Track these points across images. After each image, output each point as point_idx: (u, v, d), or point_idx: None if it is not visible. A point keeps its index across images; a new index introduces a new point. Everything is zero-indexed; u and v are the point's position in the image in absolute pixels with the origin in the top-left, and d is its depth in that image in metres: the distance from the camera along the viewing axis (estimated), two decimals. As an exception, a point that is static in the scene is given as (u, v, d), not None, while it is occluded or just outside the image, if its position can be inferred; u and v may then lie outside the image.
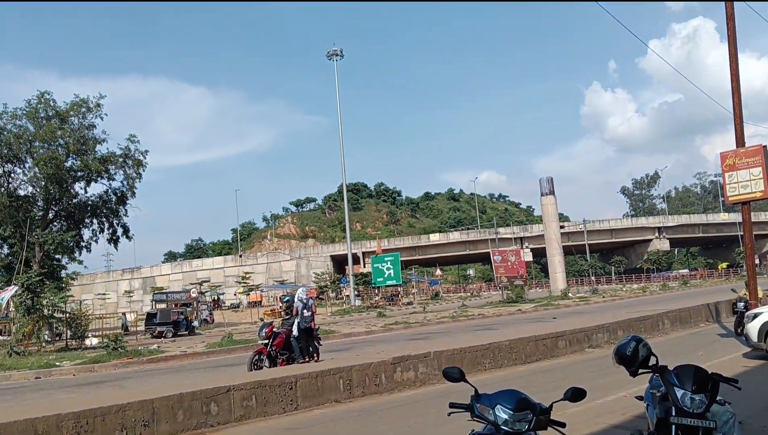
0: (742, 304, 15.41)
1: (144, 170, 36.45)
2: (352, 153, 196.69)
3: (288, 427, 8.36)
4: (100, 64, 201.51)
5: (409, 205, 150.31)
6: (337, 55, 56.43)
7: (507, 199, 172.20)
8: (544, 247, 60.10)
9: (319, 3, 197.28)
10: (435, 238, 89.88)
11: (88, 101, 34.12)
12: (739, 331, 14.91)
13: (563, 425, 3.42)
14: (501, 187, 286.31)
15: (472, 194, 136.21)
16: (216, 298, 63.96)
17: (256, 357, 13.27)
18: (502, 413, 3.28)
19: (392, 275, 50.63)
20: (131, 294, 78.63)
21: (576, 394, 3.49)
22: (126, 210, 37.18)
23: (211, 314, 47.28)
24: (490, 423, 3.33)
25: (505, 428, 3.24)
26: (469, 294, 73.63)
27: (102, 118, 34.64)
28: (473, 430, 3.44)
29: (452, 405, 3.60)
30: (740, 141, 16.21)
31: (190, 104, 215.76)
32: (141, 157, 36.16)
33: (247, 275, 64.36)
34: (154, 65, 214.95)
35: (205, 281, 68.61)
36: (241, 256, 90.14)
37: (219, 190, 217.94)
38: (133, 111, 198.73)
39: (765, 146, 16.60)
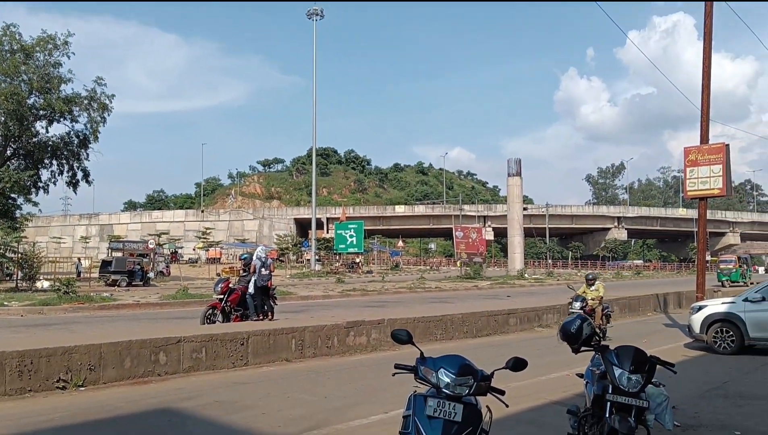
0: (578, 304, 12.92)
1: (109, 114, 35.59)
2: (325, 117, 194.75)
3: (236, 381, 8.40)
4: (71, 2, 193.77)
5: (377, 174, 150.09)
6: (317, 14, 55.32)
7: (475, 177, 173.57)
8: (506, 228, 60.91)
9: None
10: (400, 209, 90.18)
11: (56, 38, 32.96)
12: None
13: (502, 392, 3.50)
14: (470, 164, 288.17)
15: (441, 169, 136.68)
16: (174, 251, 63.24)
17: (210, 311, 13.20)
18: (445, 377, 3.34)
19: (354, 243, 50.73)
20: (87, 240, 77.15)
21: (517, 364, 3.57)
22: (88, 154, 36.36)
23: (167, 267, 46.69)
24: (432, 386, 3.40)
25: (447, 391, 3.31)
26: (428, 267, 74.40)
27: (69, 57, 33.58)
28: (415, 391, 3.50)
29: (397, 366, 3.65)
30: (705, 138, 16.59)
31: (162, 51, 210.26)
32: (107, 101, 35.23)
33: (208, 231, 63.98)
34: (128, 8, 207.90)
35: (164, 233, 67.77)
36: (203, 211, 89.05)
37: (186, 143, 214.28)
38: (103, 53, 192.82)
39: (728, 145, 17.06)
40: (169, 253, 57.83)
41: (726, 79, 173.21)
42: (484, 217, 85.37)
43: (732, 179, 19.04)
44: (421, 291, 30.82)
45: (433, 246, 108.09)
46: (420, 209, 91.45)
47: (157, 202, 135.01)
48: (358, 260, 58.96)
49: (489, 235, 77.99)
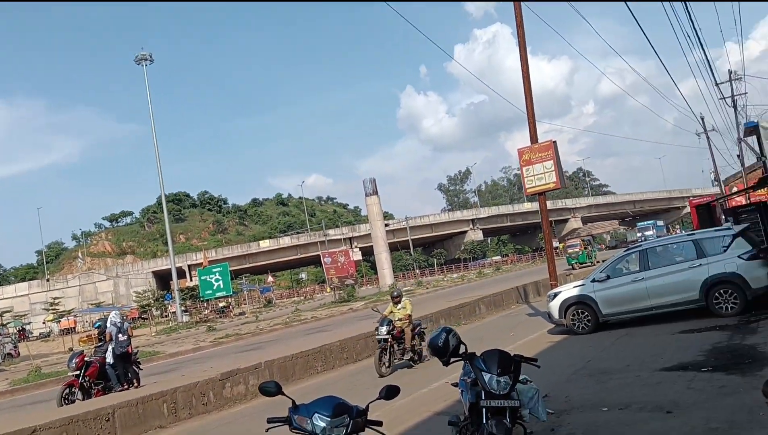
0: (384, 328, 11.29)
1: None
2: (171, 162, 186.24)
3: (104, 464, 7.65)
4: None
5: (236, 212, 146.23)
6: (146, 59, 53.03)
7: (335, 200, 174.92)
8: (372, 246, 61.95)
9: (120, 3, 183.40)
10: (265, 244, 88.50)
11: None
12: None
13: (380, 424, 3.47)
14: (328, 189, 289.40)
15: (300, 198, 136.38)
16: (21, 328, 57.14)
17: (67, 390, 12.04)
18: (320, 421, 3.25)
19: (222, 287, 48.76)
20: None
21: (390, 392, 3.57)
22: None
23: (15, 347, 41.95)
24: (309, 433, 3.29)
25: (324, 436, 3.22)
26: (302, 298, 73.55)
27: None
28: (292, 442, 3.37)
29: (270, 420, 3.51)
30: (534, 138, 17.99)
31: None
32: None
33: (56, 300, 58.49)
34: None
35: (6, 311, 60.90)
36: (48, 280, 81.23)
37: (19, 210, 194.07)
38: None
39: (555, 142, 18.61)
40: (15, 331, 52.18)
41: (546, 79, 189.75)
42: (350, 238, 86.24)
43: (565, 169, 20.85)
44: (298, 324, 30.33)
45: (304, 275, 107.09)
46: (285, 241, 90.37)
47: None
48: (226, 304, 56.86)
49: (357, 255, 78.84)
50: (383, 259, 58.67)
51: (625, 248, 15.96)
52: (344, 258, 52.02)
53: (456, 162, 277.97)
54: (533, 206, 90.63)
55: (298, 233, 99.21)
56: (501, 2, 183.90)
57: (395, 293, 12.37)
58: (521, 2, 17.76)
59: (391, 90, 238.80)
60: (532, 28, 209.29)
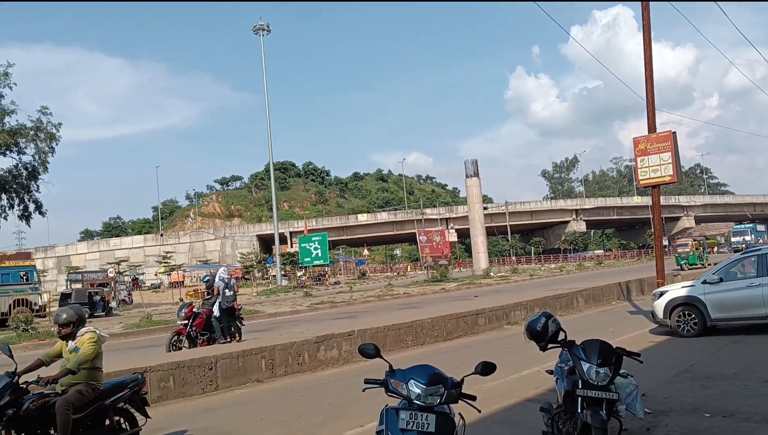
0: None
1: (57, 144, 34.64)
2: (280, 131, 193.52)
3: (207, 407, 8.22)
4: (9, 30, 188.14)
5: (337, 185, 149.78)
6: (263, 29, 54.91)
7: (434, 180, 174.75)
8: (469, 228, 61.44)
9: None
10: (363, 218, 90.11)
11: (-5, 69, 31.94)
12: None
13: (474, 398, 3.51)
14: (428, 168, 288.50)
15: (400, 175, 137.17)
16: (135, 278, 61.85)
17: (175, 337, 12.94)
18: (415, 388, 3.33)
19: (320, 255, 50.35)
20: (45, 274, 74.74)
21: (486, 368, 3.58)
22: (38, 185, 35.33)
23: (129, 295, 45.58)
24: (403, 398, 3.38)
25: (418, 402, 3.29)
26: (395, 273, 74.43)
27: (11, 88, 32.70)
28: (387, 405, 3.47)
29: (367, 381, 3.62)
30: (652, 127, 17.03)
31: (107, 76, 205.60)
32: (54, 130, 34.32)
33: (169, 255, 62.82)
34: (69, 34, 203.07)
35: (123, 261, 66.25)
36: (162, 235, 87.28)
37: (139, 167, 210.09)
38: (47, 82, 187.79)
39: (674, 133, 17.55)
40: (130, 280, 56.51)
41: (668, 67, 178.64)
42: (446, 219, 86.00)
43: (682, 164, 19.62)
44: (390, 298, 30.78)
45: (398, 252, 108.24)
46: (382, 216, 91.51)
47: (114, 229, 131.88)
48: (324, 272, 58.64)
49: (452, 236, 78.54)
50: (479, 242, 58.09)
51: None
52: (440, 238, 51.91)
53: (563, 149, 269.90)
54: (643, 201, 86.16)
55: (395, 209, 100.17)
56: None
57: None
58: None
59: (500, 70, 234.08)
60: (657, 12, 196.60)
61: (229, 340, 13.21)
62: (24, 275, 28.05)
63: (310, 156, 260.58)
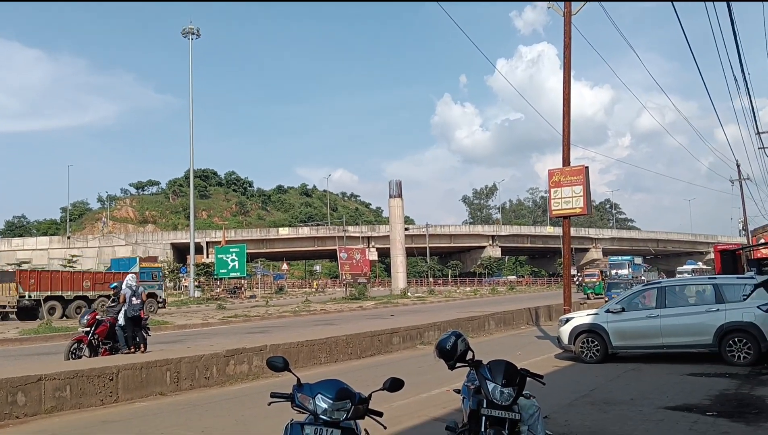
0: None
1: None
2: (204, 138, 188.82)
3: (105, 419, 7.82)
4: None
5: (260, 196, 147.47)
6: (193, 33, 53.82)
7: (358, 198, 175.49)
8: (389, 248, 62.00)
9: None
10: (284, 232, 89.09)
11: None
12: None
13: (380, 414, 3.51)
14: (353, 186, 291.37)
15: (324, 191, 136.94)
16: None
17: (75, 345, 12.29)
18: (322, 402, 3.30)
19: (237, 267, 49.26)
20: (-69, 273, 69.00)
21: (394, 384, 3.60)
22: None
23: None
24: (310, 412, 3.34)
25: (324, 417, 3.26)
26: (314, 289, 73.87)
27: None
28: (292, 420, 3.42)
29: (273, 395, 3.56)
30: (566, 160, 17.85)
31: (22, 67, 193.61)
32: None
33: (75, 258, 59.48)
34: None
35: (25, 262, 62.05)
36: (69, 237, 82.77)
37: (50, 165, 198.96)
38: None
39: (587, 167, 18.46)
40: (29, 283, 53.02)
41: (586, 105, 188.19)
42: (368, 237, 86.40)
43: (592, 199, 20.68)
44: (306, 314, 30.49)
45: (318, 268, 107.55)
46: (304, 231, 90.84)
47: (17, 228, 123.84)
48: (240, 285, 57.35)
49: (373, 255, 78.90)
50: (399, 262, 58.67)
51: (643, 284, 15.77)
52: (360, 256, 52.11)
53: (484, 176, 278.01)
54: (555, 231, 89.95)
55: (318, 225, 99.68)
56: (549, 23, 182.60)
57: None
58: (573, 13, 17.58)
59: (428, 96, 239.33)
60: (579, 53, 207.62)
61: (133, 350, 12.67)
62: (155, 274, 35.65)
63: (234, 165, 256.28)
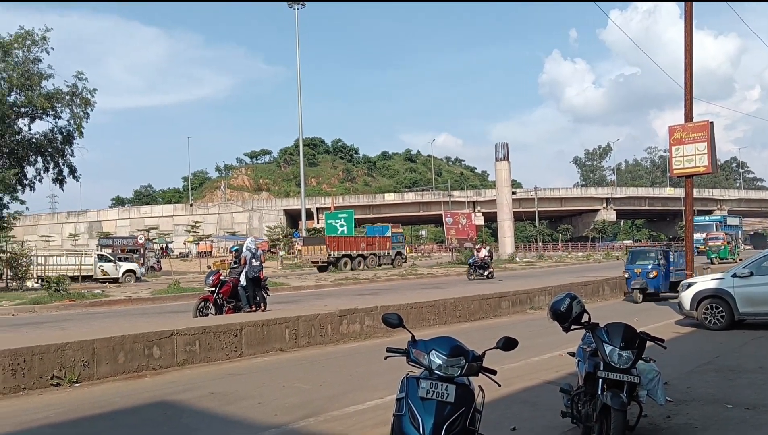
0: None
1: (92, 109, 35.00)
2: (311, 107, 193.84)
3: (230, 372, 8.41)
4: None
5: (365, 163, 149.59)
6: (298, 2, 54.80)
7: (463, 162, 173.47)
8: (496, 212, 61.08)
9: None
10: (390, 197, 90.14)
11: (34, 34, 32.34)
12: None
13: (494, 372, 3.54)
14: (457, 150, 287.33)
15: (429, 156, 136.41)
16: (164, 245, 63.04)
17: (202, 304, 13.19)
18: (437, 358, 3.37)
19: (345, 232, 50.67)
20: (76, 238, 76.60)
21: (508, 343, 3.61)
22: (72, 150, 35.81)
23: (158, 262, 46.56)
24: (425, 368, 3.43)
25: (439, 372, 3.34)
26: (420, 254, 74.52)
27: (48, 53, 32.98)
28: (408, 374, 3.53)
29: (389, 349, 3.68)
30: (689, 116, 16.65)
31: (142, 45, 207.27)
32: (89, 96, 34.66)
33: (197, 224, 63.70)
34: (106, 1, 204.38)
35: (153, 228, 67.59)
36: (191, 205, 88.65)
37: (171, 137, 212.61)
38: (82, 48, 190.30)
39: (711, 123, 17.13)
40: (159, 248, 57.63)
41: (709, 57, 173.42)
42: (474, 202, 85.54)
43: (717, 157, 19.16)
44: (413, 278, 30.91)
45: (423, 233, 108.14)
46: (409, 196, 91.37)
47: (144, 197, 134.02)
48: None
49: (479, 220, 78.18)
50: (506, 226, 57.77)
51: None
52: (466, 220, 51.84)
53: (596, 136, 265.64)
54: (676, 192, 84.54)
55: (423, 190, 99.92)
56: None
57: None
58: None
59: (535, 53, 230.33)
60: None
61: (254, 309, 13.42)
62: (400, 237, 46.95)
63: (340, 133, 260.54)
